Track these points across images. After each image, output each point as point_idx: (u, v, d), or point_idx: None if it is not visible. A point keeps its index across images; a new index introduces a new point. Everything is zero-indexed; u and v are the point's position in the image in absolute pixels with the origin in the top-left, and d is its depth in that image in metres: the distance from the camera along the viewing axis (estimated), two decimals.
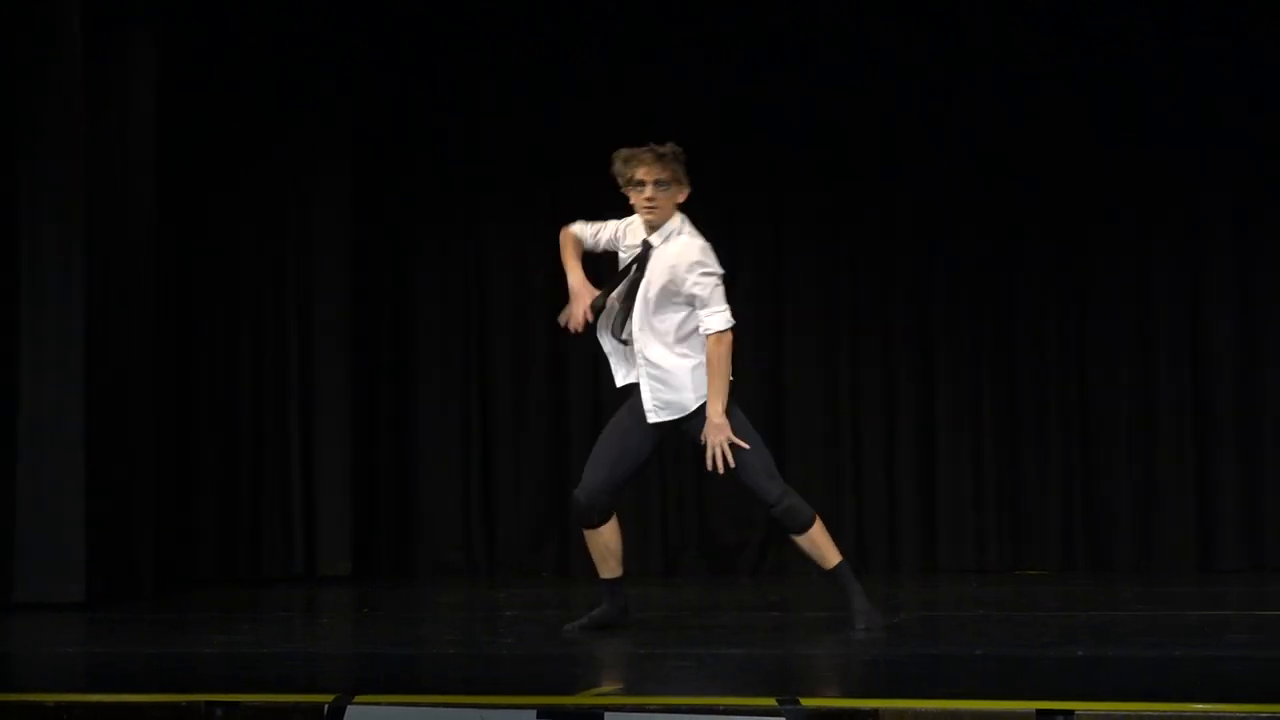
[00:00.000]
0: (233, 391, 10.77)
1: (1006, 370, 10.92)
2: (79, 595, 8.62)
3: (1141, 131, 10.71)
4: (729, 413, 6.99)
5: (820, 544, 7.13)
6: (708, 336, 6.96)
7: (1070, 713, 4.75)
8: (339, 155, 10.89)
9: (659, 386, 7.05)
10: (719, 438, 6.96)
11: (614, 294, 7.08)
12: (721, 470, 7.00)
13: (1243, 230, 10.72)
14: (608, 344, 7.17)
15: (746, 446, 7.01)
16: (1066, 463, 10.82)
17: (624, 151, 7.01)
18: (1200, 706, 4.78)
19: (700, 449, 7.05)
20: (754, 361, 10.96)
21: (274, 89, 10.79)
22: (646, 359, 7.05)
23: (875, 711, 4.83)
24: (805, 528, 7.12)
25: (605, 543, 7.14)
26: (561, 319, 7.15)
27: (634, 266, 7.07)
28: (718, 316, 6.95)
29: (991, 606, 8.63)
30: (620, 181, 7.04)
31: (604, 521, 7.12)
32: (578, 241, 7.22)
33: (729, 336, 6.96)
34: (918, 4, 10.82)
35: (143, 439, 9.37)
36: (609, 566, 7.19)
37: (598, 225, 7.25)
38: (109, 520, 8.92)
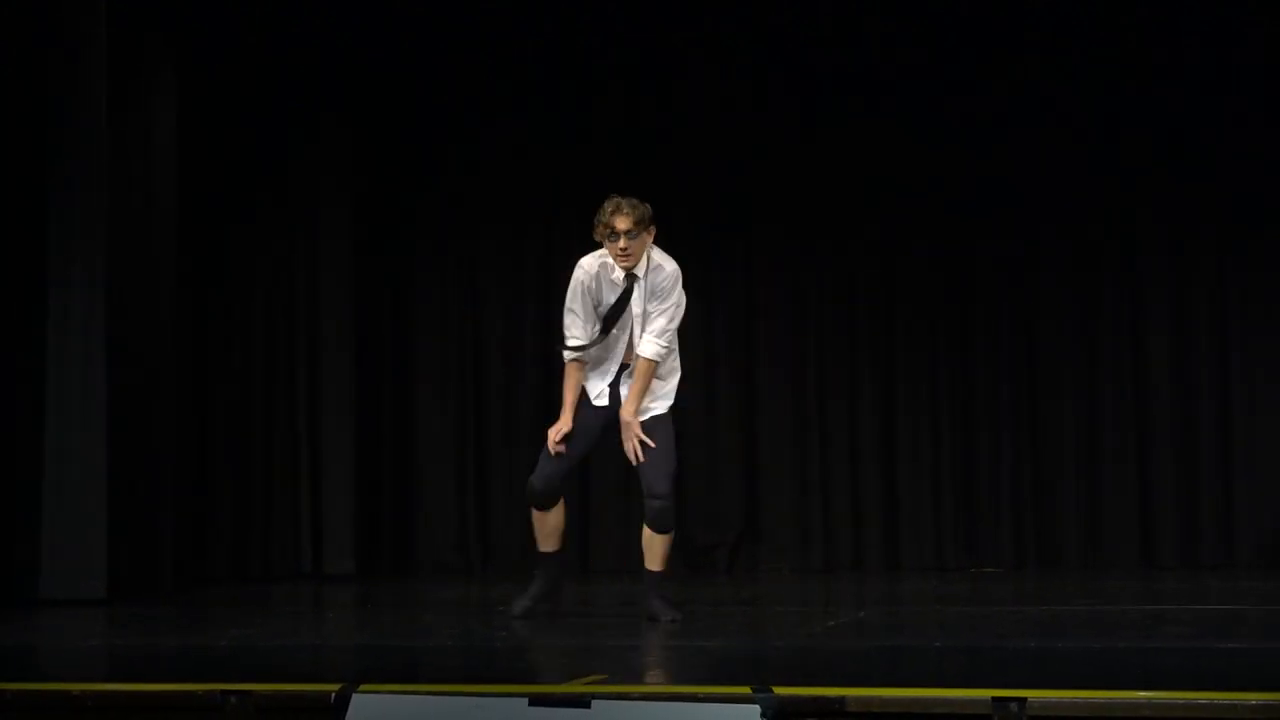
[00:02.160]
0: (246, 402, 10.76)
1: (963, 380, 10.95)
2: (101, 591, 8.59)
3: (1081, 162, 10.75)
4: (662, 419, 7.23)
5: (663, 550, 7.26)
6: (643, 360, 7.19)
7: (1023, 700, 4.75)
8: (341, 185, 10.89)
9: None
10: (633, 433, 7.18)
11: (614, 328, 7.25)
12: (639, 459, 7.17)
13: (1178, 249, 10.77)
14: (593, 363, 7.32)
15: (653, 445, 7.15)
16: (1018, 466, 10.84)
17: (608, 202, 7.16)
18: (1142, 694, 4.79)
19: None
20: (727, 364, 10.99)
21: (281, 119, 10.80)
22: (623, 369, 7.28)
23: (842, 699, 4.84)
24: (667, 531, 7.22)
25: (554, 522, 7.35)
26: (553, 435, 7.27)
27: (622, 299, 7.21)
28: (656, 347, 7.18)
29: (949, 601, 8.63)
30: (596, 233, 7.18)
31: (554, 504, 7.32)
32: (579, 380, 7.33)
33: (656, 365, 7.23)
34: (875, 38, 10.82)
35: (163, 445, 9.35)
36: (551, 542, 7.40)
37: (576, 325, 7.28)
38: (130, 522, 8.90)
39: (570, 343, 7.29)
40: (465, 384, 11.16)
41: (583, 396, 7.32)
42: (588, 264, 7.25)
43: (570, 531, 10.92)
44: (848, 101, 10.87)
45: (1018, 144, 10.78)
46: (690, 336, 10.95)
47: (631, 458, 7.22)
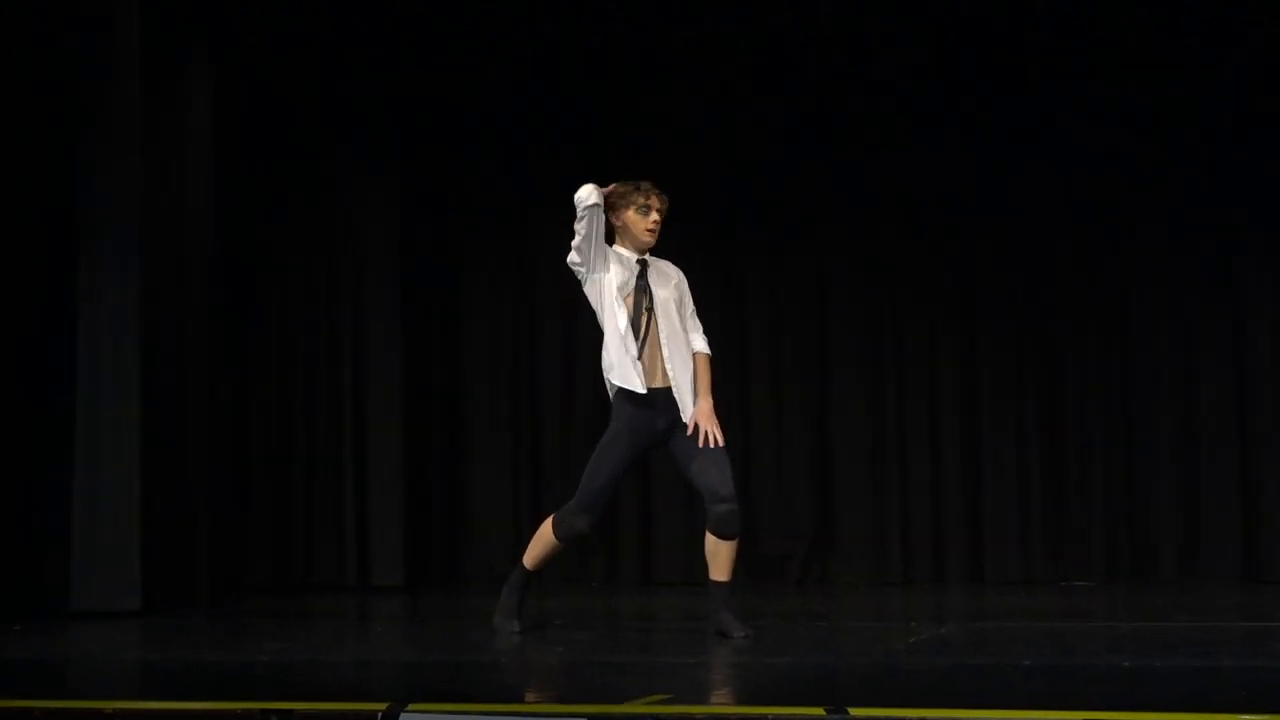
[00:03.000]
0: (287, 402, 10.82)
1: (1049, 381, 10.90)
2: (135, 603, 8.65)
3: (1176, 163, 10.69)
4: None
5: (731, 558, 7.28)
6: (702, 355, 7.47)
7: None
8: (388, 171, 10.94)
9: (685, 391, 7.35)
10: (712, 423, 7.29)
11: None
12: (718, 443, 7.28)
13: (1279, 249, 10.68)
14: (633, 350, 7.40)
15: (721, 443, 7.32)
16: (1110, 473, 10.77)
17: (643, 183, 7.53)
18: (1246, 717, 4.73)
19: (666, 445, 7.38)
20: (798, 362, 10.98)
21: (323, 107, 10.86)
22: (675, 367, 7.36)
23: None
24: (734, 536, 7.25)
25: (561, 551, 7.52)
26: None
27: (640, 281, 7.43)
28: (705, 340, 7.53)
29: (1037, 616, 8.58)
30: (626, 200, 7.47)
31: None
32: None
33: None
34: (946, 38, 10.81)
35: (198, 449, 9.40)
36: (544, 565, 7.53)
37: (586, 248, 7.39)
38: (165, 529, 8.95)
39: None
40: (519, 385, 11.18)
41: (633, 428, 7.35)
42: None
43: (630, 542, 11.05)
44: (925, 101, 10.86)
45: (1107, 144, 10.73)
46: (760, 333, 11.02)
47: (714, 442, 7.27)
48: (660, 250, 7.56)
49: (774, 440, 10.99)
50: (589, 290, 7.44)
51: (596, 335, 11.06)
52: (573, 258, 7.36)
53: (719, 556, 7.24)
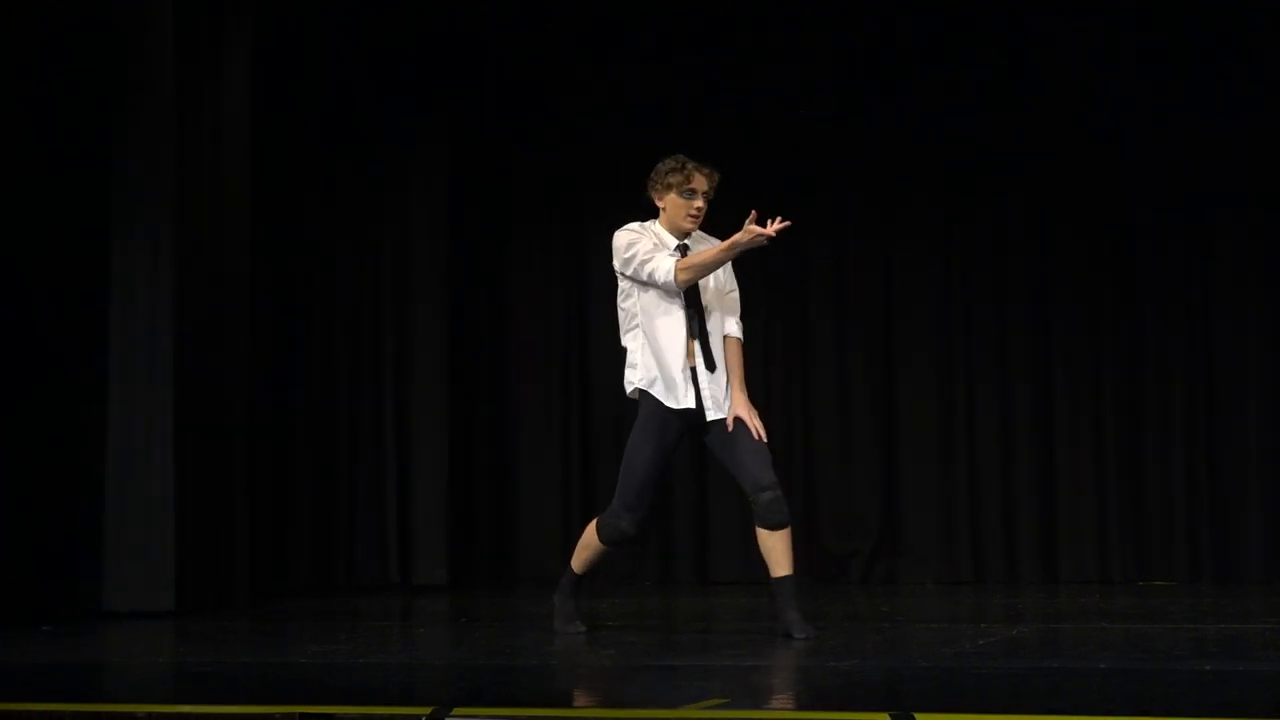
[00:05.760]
0: (329, 398, 10.86)
1: (1128, 370, 10.85)
2: (169, 603, 8.70)
3: (1267, 153, 10.61)
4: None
5: (787, 549, 7.20)
6: (735, 340, 7.33)
7: None
8: (435, 160, 10.96)
9: (717, 384, 7.27)
10: (752, 415, 7.24)
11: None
12: (760, 435, 7.22)
13: None
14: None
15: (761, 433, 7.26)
16: (1193, 469, 10.71)
17: (684, 158, 7.29)
18: None
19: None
20: (863, 350, 10.97)
21: (369, 86, 10.88)
22: (715, 357, 7.27)
23: None
24: (784, 524, 7.17)
25: (609, 555, 7.49)
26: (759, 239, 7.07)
27: None
28: (740, 325, 7.38)
29: (1114, 618, 8.54)
30: (667, 181, 7.26)
31: None
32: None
33: None
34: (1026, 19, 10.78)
35: (236, 446, 9.44)
36: (593, 568, 7.51)
37: (658, 254, 7.26)
38: (200, 528, 9.00)
39: (660, 262, 7.20)
40: (570, 378, 11.19)
41: (661, 418, 7.27)
42: (635, 226, 7.37)
43: (684, 540, 11.04)
44: (1006, 84, 10.84)
45: (1194, 131, 10.66)
46: (823, 322, 11.00)
47: (761, 435, 7.21)
48: (711, 227, 7.39)
49: (837, 434, 10.97)
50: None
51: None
52: (626, 284, 7.29)
53: (775, 550, 7.17)
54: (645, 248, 7.23)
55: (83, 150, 8.87)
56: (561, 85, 11.24)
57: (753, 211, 6.99)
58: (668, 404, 7.23)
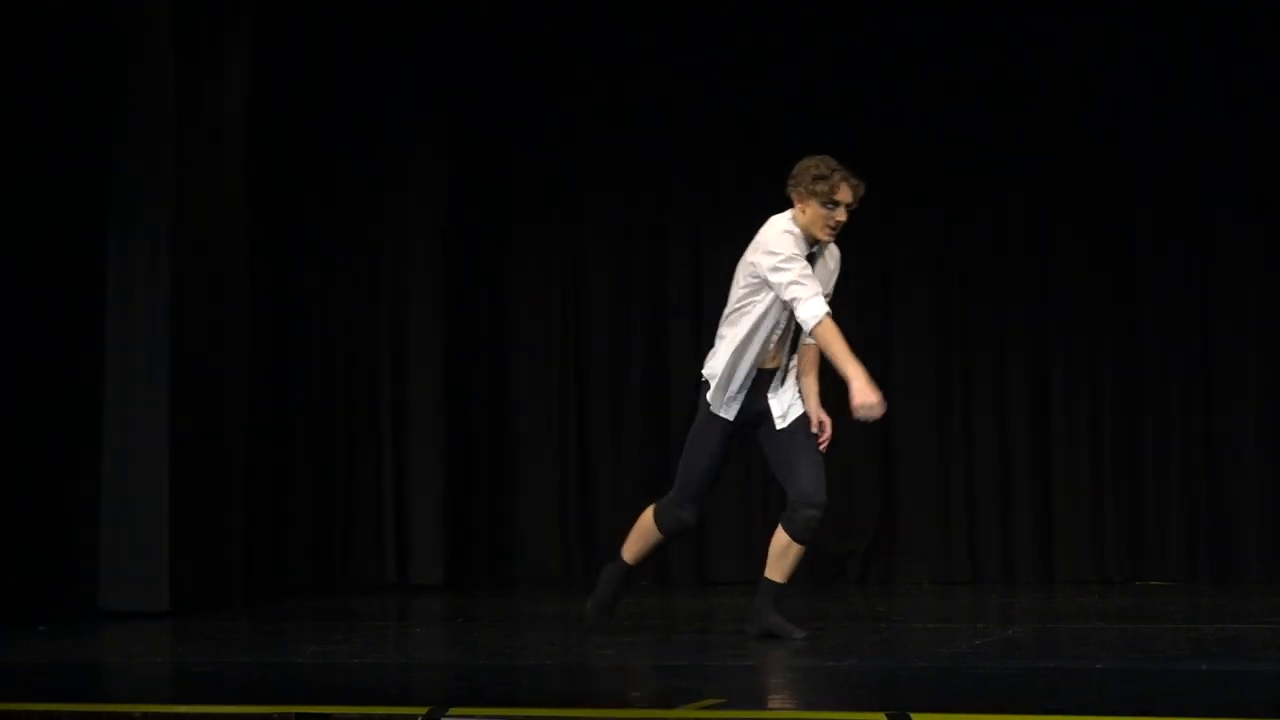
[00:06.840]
0: (328, 397, 10.86)
1: (1127, 370, 10.85)
2: (164, 604, 8.70)
3: (1268, 148, 10.61)
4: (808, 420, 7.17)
5: (796, 563, 7.14)
6: (813, 346, 7.17)
7: None
8: (435, 160, 10.97)
9: (787, 390, 7.19)
10: (827, 425, 7.19)
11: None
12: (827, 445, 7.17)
13: None
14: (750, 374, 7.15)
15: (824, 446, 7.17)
16: (1190, 468, 10.71)
17: (833, 163, 6.96)
18: None
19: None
20: (860, 347, 10.92)
21: (369, 85, 10.88)
22: (791, 367, 7.18)
23: None
24: (808, 543, 7.14)
25: (663, 545, 7.41)
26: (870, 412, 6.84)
27: None
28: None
29: (1111, 618, 8.54)
30: (811, 189, 6.92)
31: None
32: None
33: None
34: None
35: (233, 445, 9.44)
36: (645, 559, 7.44)
37: (806, 270, 6.98)
38: (198, 527, 9.00)
39: (812, 297, 6.85)
40: (567, 377, 11.19)
41: (712, 423, 7.17)
42: (792, 226, 7.00)
43: (685, 540, 11.02)
44: (1006, 84, 10.83)
45: (1194, 131, 10.66)
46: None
47: (819, 446, 7.12)
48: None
49: (835, 433, 10.94)
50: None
51: (650, 323, 11.10)
52: (756, 280, 6.97)
53: (786, 558, 7.11)
54: (800, 269, 6.88)
55: (83, 150, 8.87)
56: (561, 85, 11.24)
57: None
58: (714, 408, 7.12)
